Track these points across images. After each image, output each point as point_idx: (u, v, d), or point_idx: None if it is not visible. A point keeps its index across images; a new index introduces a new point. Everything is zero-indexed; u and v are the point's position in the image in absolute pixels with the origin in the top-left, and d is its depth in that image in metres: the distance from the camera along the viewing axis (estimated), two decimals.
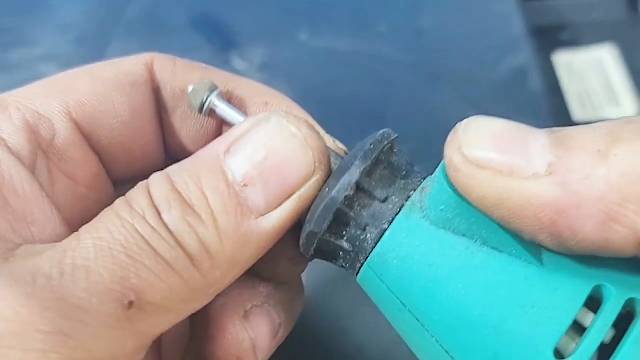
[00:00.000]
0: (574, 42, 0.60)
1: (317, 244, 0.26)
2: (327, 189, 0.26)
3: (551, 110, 0.50)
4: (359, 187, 0.25)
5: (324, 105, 0.45)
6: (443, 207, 0.24)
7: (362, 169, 0.25)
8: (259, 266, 0.28)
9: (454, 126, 0.42)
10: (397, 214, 0.25)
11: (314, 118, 0.39)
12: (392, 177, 0.26)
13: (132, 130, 0.30)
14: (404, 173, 0.26)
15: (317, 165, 0.26)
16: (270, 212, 0.26)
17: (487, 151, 0.22)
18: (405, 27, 0.56)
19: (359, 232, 0.26)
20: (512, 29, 0.56)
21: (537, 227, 0.22)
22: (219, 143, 0.27)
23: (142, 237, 0.24)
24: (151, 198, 0.25)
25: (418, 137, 0.46)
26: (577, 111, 0.54)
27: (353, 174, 0.26)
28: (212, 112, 0.30)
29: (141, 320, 0.24)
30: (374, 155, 0.26)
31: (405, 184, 0.26)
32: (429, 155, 0.38)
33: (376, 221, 0.26)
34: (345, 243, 0.26)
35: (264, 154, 0.26)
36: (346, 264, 0.27)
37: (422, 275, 0.25)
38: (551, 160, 0.21)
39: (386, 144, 0.26)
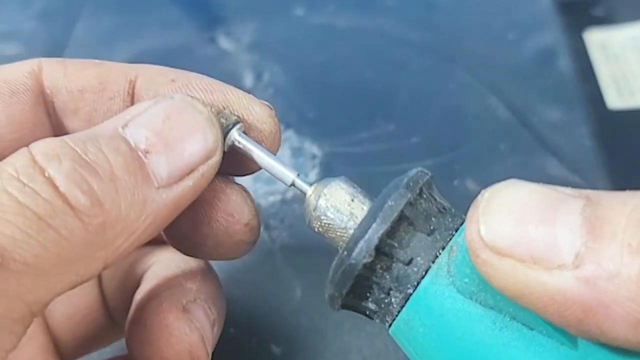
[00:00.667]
0: (609, 18, 0.54)
1: (341, 304, 0.25)
2: (345, 252, 0.24)
3: (583, 97, 0.46)
4: (379, 250, 0.24)
5: (323, 92, 0.47)
6: (467, 280, 0.23)
7: (380, 233, 0.23)
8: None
9: (471, 118, 0.44)
10: (422, 277, 0.24)
11: (311, 106, 0.45)
12: (417, 233, 0.24)
13: (10, 141, 0.27)
14: (431, 228, 0.24)
15: (219, 144, 0.26)
16: (171, 184, 0.25)
17: (508, 236, 0.20)
18: (415, 1, 0.54)
19: (382, 296, 0.25)
20: (537, 3, 0.53)
21: (562, 323, 0.21)
22: (116, 118, 0.25)
23: (9, 193, 0.22)
24: (32, 156, 0.23)
25: (431, 128, 0.44)
26: (612, 98, 0.49)
27: (371, 239, 0.24)
28: (233, 149, 0.28)
29: (8, 281, 0.21)
30: (395, 215, 0.24)
31: (433, 240, 0.24)
32: (443, 148, 0.42)
33: (400, 285, 0.24)
34: (370, 304, 0.25)
35: (168, 123, 0.25)
36: (377, 320, 0.26)
37: (448, 347, 0.23)
38: (579, 250, 0.20)
39: (410, 197, 0.24)
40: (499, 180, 0.33)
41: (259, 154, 0.28)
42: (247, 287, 0.40)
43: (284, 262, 0.40)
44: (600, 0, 0.56)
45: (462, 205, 0.31)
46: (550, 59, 0.49)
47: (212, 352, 0.32)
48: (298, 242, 0.41)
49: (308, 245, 0.40)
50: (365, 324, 0.38)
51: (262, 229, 0.41)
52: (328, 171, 0.43)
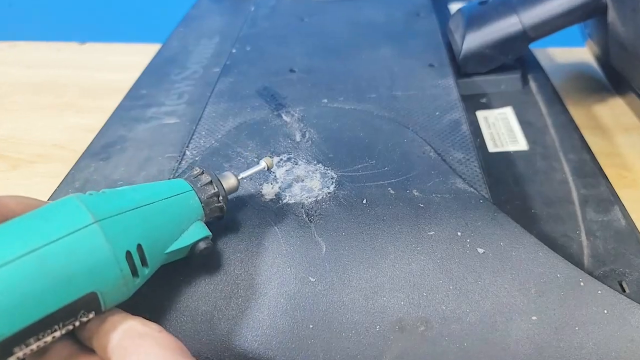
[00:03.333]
0: (489, 105, 0.67)
1: None
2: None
3: (475, 146, 0.54)
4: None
5: (337, 142, 0.54)
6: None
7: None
8: None
9: (416, 157, 0.51)
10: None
11: (331, 151, 0.52)
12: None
13: None
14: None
15: None
16: None
17: None
18: (386, 95, 0.63)
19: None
20: (450, 96, 0.62)
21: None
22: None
23: None
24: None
25: (394, 163, 0.51)
26: (490, 146, 0.60)
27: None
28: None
29: None
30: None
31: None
32: (401, 173, 0.50)
33: None
34: None
35: None
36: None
37: None
38: None
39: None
40: (431, 190, 0.47)
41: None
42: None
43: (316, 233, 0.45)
44: (484, 95, 0.68)
45: (410, 204, 0.46)
46: (457, 126, 0.57)
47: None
48: (327, 221, 0.45)
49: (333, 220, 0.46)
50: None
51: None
52: (340, 185, 0.48)
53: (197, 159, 0.54)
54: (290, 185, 0.50)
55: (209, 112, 0.62)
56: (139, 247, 0.33)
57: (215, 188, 0.39)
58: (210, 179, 0.39)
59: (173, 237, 0.36)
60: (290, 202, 0.48)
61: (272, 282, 0.42)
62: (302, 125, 0.58)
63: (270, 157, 0.50)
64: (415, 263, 0.42)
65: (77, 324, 0.30)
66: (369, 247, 0.43)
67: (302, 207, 0.47)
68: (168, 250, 0.36)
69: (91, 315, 0.31)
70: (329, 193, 0.48)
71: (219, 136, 0.57)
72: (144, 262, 0.34)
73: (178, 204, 0.37)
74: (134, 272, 0.33)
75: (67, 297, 0.29)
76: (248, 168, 0.44)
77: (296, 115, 0.60)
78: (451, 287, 0.41)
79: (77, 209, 0.31)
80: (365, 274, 0.42)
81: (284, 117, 0.59)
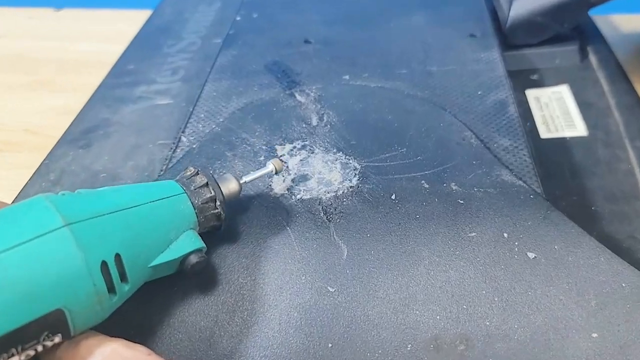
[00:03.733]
0: (540, 82, 0.67)
1: None
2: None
3: (524, 131, 0.54)
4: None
5: (361, 127, 0.55)
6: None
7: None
8: None
9: (455, 144, 0.51)
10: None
11: (354, 137, 0.53)
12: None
13: None
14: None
15: None
16: None
17: None
18: (419, 71, 0.63)
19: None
20: (495, 72, 0.63)
21: None
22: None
23: None
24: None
25: (429, 151, 0.52)
26: (543, 131, 0.60)
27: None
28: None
29: None
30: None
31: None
32: (436, 163, 0.50)
33: None
34: None
35: None
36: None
37: None
38: None
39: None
40: (472, 184, 0.47)
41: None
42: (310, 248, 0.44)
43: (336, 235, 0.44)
44: (535, 71, 0.67)
45: (448, 200, 0.46)
46: (503, 107, 0.57)
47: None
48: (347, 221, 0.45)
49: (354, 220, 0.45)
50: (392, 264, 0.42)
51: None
52: (364, 178, 0.48)
53: (194, 146, 0.53)
54: (305, 178, 0.49)
55: (209, 91, 0.62)
56: (118, 257, 0.33)
57: (212, 192, 0.39)
58: (207, 181, 0.39)
59: (159, 248, 0.36)
60: (305, 197, 0.47)
61: (284, 293, 0.41)
62: (319, 106, 0.58)
63: (281, 145, 0.50)
64: (454, 270, 0.42)
65: (39, 348, 0.30)
66: (399, 251, 0.43)
67: (319, 204, 0.47)
68: (153, 264, 0.35)
69: (57, 339, 0.30)
70: (351, 187, 0.48)
71: (221, 119, 0.57)
72: (123, 277, 0.33)
73: (166, 209, 0.36)
74: (111, 288, 0.32)
75: (28, 314, 0.28)
76: (254, 170, 0.44)
77: (312, 94, 0.60)
78: (496, 299, 0.40)
79: (45, 209, 0.30)
80: (395, 283, 0.41)
81: (298, 97, 0.59)
